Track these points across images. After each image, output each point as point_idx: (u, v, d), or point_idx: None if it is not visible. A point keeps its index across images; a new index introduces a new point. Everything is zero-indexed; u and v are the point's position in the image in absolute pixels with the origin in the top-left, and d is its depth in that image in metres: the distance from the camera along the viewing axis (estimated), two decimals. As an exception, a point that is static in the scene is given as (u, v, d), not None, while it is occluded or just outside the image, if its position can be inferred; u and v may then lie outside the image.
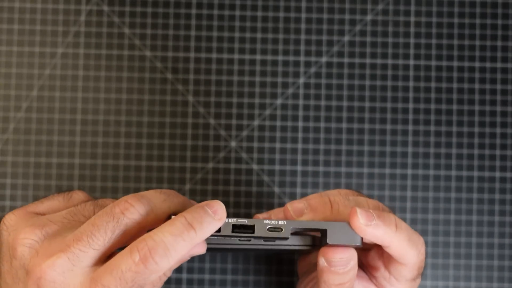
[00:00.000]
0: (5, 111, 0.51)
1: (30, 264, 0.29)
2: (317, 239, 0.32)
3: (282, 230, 0.30)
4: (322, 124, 0.51)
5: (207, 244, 0.31)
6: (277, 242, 0.31)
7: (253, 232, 0.30)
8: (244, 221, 0.30)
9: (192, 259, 0.50)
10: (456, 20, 0.52)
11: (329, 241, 0.30)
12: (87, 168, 0.50)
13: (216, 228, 0.30)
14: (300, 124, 0.51)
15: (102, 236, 0.29)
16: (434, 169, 0.51)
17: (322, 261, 0.31)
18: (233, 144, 0.51)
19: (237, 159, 0.51)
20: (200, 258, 0.50)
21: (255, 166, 0.50)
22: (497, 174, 0.51)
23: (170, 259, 0.28)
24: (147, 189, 0.49)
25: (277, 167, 0.50)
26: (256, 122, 0.51)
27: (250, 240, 0.31)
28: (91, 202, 0.32)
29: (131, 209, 0.29)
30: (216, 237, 0.30)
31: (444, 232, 0.51)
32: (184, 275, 0.50)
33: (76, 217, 0.31)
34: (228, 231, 0.30)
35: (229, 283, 0.50)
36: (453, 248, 0.50)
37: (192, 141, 0.51)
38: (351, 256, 0.30)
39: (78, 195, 0.34)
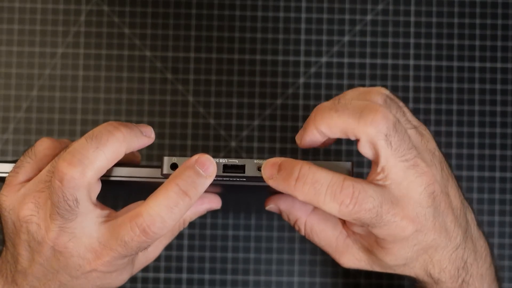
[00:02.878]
0: (5, 111, 0.51)
1: (38, 237, 0.32)
2: None
3: None
4: (322, 124, 0.51)
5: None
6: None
7: (243, 172, 0.30)
8: (235, 161, 0.30)
9: (192, 259, 0.50)
10: (456, 20, 0.52)
11: None
12: (87, 168, 0.50)
13: (208, 185, 0.31)
14: (300, 124, 0.51)
15: (66, 205, 0.31)
16: (434, 169, 0.51)
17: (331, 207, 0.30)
18: (233, 144, 0.51)
19: (237, 159, 0.51)
20: (200, 258, 0.50)
21: (255, 166, 0.50)
22: (497, 174, 0.51)
23: (169, 226, 0.30)
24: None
25: (277, 167, 0.50)
26: (256, 122, 0.51)
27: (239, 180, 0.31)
28: (51, 164, 0.33)
29: (65, 179, 0.30)
30: None
31: (444, 232, 0.51)
32: (184, 275, 0.50)
33: (49, 177, 0.32)
34: (219, 171, 0.30)
35: (229, 283, 0.50)
36: (453, 248, 0.50)
37: (192, 141, 0.51)
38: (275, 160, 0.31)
39: (42, 146, 0.35)
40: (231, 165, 0.31)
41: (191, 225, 0.50)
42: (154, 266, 0.50)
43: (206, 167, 0.30)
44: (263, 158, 0.31)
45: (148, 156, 0.50)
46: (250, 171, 0.30)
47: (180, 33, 0.51)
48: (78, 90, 0.51)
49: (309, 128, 0.31)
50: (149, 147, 0.50)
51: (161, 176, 0.32)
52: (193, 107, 0.51)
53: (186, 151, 0.50)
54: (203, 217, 0.50)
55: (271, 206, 0.36)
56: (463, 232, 0.33)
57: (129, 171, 0.32)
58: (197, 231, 0.50)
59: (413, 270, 0.34)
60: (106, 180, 0.32)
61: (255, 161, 0.30)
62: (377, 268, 0.35)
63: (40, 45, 0.51)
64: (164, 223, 0.30)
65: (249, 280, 0.50)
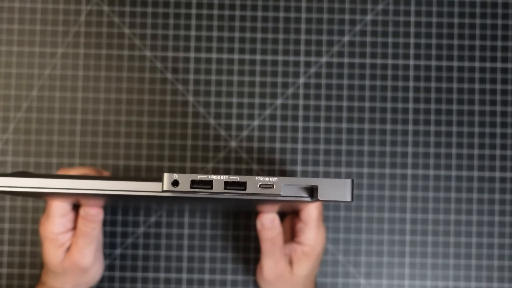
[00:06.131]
0: (5, 111, 0.51)
1: None
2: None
3: (273, 186, 0.30)
4: (322, 124, 0.51)
5: (199, 195, 0.32)
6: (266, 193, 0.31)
7: (245, 189, 0.30)
8: (236, 178, 0.30)
9: (192, 259, 0.50)
10: (456, 20, 0.52)
11: (320, 197, 0.30)
12: (87, 168, 0.50)
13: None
14: (300, 124, 0.51)
15: None
16: (434, 169, 0.51)
17: (258, 224, 0.42)
18: (233, 144, 0.51)
19: (237, 159, 0.51)
20: (200, 258, 0.50)
21: (255, 166, 0.50)
22: (497, 174, 0.51)
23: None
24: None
25: (277, 167, 0.50)
26: (256, 122, 0.51)
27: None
28: None
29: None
30: (208, 194, 0.30)
31: (444, 232, 0.50)
32: (184, 275, 0.50)
33: None
34: (220, 188, 0.30)
35: (229, 283, 0.50)
36: (453, 248, 0.50)
37: (192, 141, 0.51)
38: (274, 217, 0.42)
39: None
40: (232, 181, 0.30)
41: (191, 225, 0.50)
42: (154, 266, 0.50)
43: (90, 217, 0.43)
44: (263, 169, 0.31)
45: (148, 156, 0.50)
46: (251, 188, 0.30)
47: (180, 33, 0.51)
48: (78, 90, 0.51)
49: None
50: (149, 147, 0.50)
51: (161, 192, 0.31)
52: (193, 107, 0.51)
53: (186, 151, 0.50)
54: (203, 217, 0.50)
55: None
56: None
57: (127, 185, 0.32)
58: (197, 231, 0.50)
59: None
60: (102, 194, 0.32)
61: (256, 178, 0.30)
62: None
63: (40, 45, 0.51)
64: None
65: (249, 280, 0.50)
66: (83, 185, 0.32)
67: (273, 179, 0.30)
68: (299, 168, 0.50)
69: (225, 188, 0.30)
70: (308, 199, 0.31)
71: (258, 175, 0.31)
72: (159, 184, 0.31)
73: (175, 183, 0.30)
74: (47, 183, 0.32)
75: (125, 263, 0.50)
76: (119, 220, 0.50)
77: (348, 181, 0.31)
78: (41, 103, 0.51)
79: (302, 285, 0.44)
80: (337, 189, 0.30)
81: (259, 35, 0.51)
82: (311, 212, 0.42)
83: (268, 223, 0.42)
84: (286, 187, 0.31)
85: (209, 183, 0.30)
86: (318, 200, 0.30)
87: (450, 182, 0.51)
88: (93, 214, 0.43)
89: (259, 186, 0.30)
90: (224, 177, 0.30)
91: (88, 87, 0.51)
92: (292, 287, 0.44)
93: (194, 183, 0.30)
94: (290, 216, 0.46)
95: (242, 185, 0.30)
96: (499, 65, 0.51)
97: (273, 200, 0.32)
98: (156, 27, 0.51)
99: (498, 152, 0.51)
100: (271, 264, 0.43)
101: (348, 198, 0.30)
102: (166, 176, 0.30)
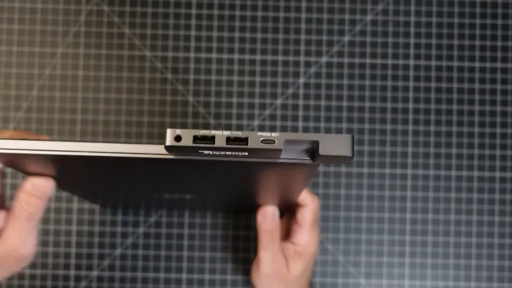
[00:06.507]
0: (5, 111, 0.51)
1: None
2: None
3: (275, 142, 0.30)
4: (322, 124, 0.51)
5: (201, 157, 0.32)
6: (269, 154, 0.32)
7: (247, 144, 0.30)
8: (238, 134, 0.30)
9: (192, 259, 0.50)
10: (456, 20, 0.52)
11: (321, 152, 0.30)
12: (87, 168, 0.50)
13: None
14: (300, 124, 0.51)
15: None
16: (434, 169, 0.51)
17: (259, 217, 0.42)
18: (233, 144, 0.51)
19: (237, 159, 0.51)
20: (200, 258, 0.50)
21: (255, 166, 0.50)
22: (497, 174, 0.51)
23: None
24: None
25: (277, 167, 0.50)
26: (256, 122, 0.51)
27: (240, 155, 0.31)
28: None
29: None
30: (209, 150, 0.31)
31: (444, 232, 0.51)
32: (184, 275, 0.50)
33: None
34: (223, 143, 0.30)
35: (229, 283, 0.50)
36: (453, 248, 0.50)
37: (192, 141, 0.51)
38: (275, 209, 0.42)
39: None
40: (234, 137, 0.31)
41: (191, 225, 0.50)
42: (154, 266, 0.50)
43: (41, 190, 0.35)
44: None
45: (148, 156, 0.50)
46: (253, 143, 0.30)
47: (180, 33, 0.51)
48: (78, 90, 0.51)
49: None
50: (149, 147, 0.50)
51: (164, 152, 0.31)
52: (193, 107, 0.51)
53: (186, 151, 0.50)
54: (203, 217, 0.50)
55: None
56: None
57: (126, 148, 0.31)
58: (197, 231, 0.50)
59: None
60: (96, 157, 0.31)
61: (258, 133, 0.30)
62: None
63: (40, 45, 0.51)
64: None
65: (250, 280, 0.50)
66: (83, 148, 0.31)
67: (274, 134, 0.31)
68: (299, 168, 0.50)
69: (227, 143, 0.30)
70: (309, 161, 0.32)
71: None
72: (161, 146, 0.31)
73: (177, 138, 0.30)
74: (66, 146, 0.31)
75: (125, 263, 0.50)
76: (119, 220, 0.50)
77: (349, 136, 0.31)
78: (41, 103, 0.51)
79: (297, 286, 0.45)
80: (337, 144, 0.30)
81: (259, 35, 0.51)
82: (306, 216, 0.43)
83: (270, 215, 0.43)
84: (288, 144, 0.31)
85: (211, 138, 0.30)
86: (319, 157, 0.31)
87: (450, 182, 0.51)
88: (46, 186, 0.35)
89: (261, 141, 0.30)
90: (226, 132, 0.31)
91: (88, 87, 0.51)
92: (286, 287, 0.45)
93: (196, 138, 0.30)
94: (286, 216, 0.46)
95: (244, 140, 0.30)
96: (499, 65, 0.51)
97: (274, 163, 0.32)
98: (156, 27, 0.51)
99: (498, 152, 0.51)
100: (269, 257, 0.43)
101: (349, 153, 0.31)
102: (169, 131, 0.30)
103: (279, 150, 0.30)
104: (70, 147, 0.32)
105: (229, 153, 0.31)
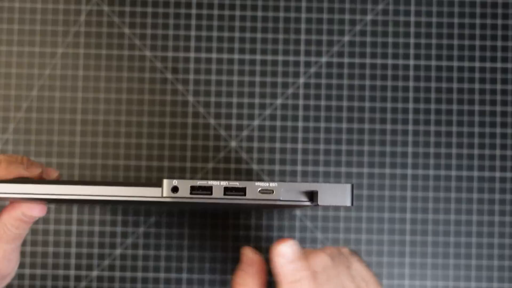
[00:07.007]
0: (5, 111, 0.51)
1: None
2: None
3: (273, 192, 0.30)
4: (322, 124, 0.51)
5: (198, 200, 0.31)
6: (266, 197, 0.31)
7: (244, 195, 0.30)
8: (236, 184, 0.30)
9: (192, 259, 0.50)
10: (456, 20, 0.52)
11: (320, 202, 0.30)
12: (87, 168, 0.50)
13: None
14: (300, 124, 0.51)
15: None
16: (434, 169, 0.51)
17: (275, 257, 0.33)
18: (233, 144, 0.51)
19: (237, 159, 0.51)
20: (200, 258, 0.50)
21: (255, 166, 0.50)
22: (497, 174, 0.51)
23: None
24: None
25: (277, 167, 0.50)
26: (256, 122, 0.51)
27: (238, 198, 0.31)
28: None
29: None
30: (207, 199, 0.30)
31: (444, 232, 0.51)
32: (184, 275, 0.50)
33: None
34: (220, 194, 0.30)
35: (229, 283, 0.50)
36: (453, 248, 0.50)
37: (192, 141, 0.51)
38: (294, 244, 0.33)
39: None
40: (232, 187, 0.30)
41: (191, 225, 0.50)
42: (154, 266, 0.50)
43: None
44: (263, 172, 0.31)
45: (148, 156, 0.50)
46: (251, 194, 0.30)
47: (180, 33, 0.51)
48: (78, 90, 0.51)
49: None
50: (149, 147, 0.50)
51: (161, 197, 0.31)
52: (193, 107, 0.51)
53: (186, 151, 0.50)
54: (203, 217, 0.50)
55: None
56: None
57: (126, 191, 0.31)
58: (197, 231, 0.50)
59: None
60: (97, 200, 0.32)
61: (256, 183, 0.30)
62: None
63: (40, 45, 0.51)
64: None
65: (249, 280, 0.50)
66: (82, 191, 0.31)
67: (273, 184, 0.30)
68: (299, 168, 0.50)
69: (224, 194, 0.30)
70: (308, 203, 0.31)
71: (258, 175, 0.31)
72: (159, 189, 0.31)
73: (174, 189, 0.30)
74: (50, 189, 0.31)
75: (125, 263, 0.50)
76: (119, 220, 0.50)
77: (348, 185, 0.31)
78: (41, 103, 0.51)
79: None
80: (337, 194, 0.30)
81: (259, 35, 0.51)
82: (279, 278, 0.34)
83: (289, 254, 0.33)
84: (286, 192, 0.31)
85: (209, 189, 0.30)
86: (317, 205, 0.31)
87: (450, 182, 0.51)
88: (36, 215, 0.34)
89: (259, 191, 0.30)
90: (224, 183, 0.30)
91: (88, 87, 0.51)
92: None
93: (193, 189, 0.30)
94: None
95: (242, 190, 0.30)
96: (499, 65, 0.51)
97: (273, 205, 0.32)
98: (156, 27, 0.51)
99: (498, 152, 0.51)
100: None
101: (348, 203, 0.30)
102: (165, 182, 0.30)
103: (277, 199, 0.30)
104: (65, 190, 0.31)
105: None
